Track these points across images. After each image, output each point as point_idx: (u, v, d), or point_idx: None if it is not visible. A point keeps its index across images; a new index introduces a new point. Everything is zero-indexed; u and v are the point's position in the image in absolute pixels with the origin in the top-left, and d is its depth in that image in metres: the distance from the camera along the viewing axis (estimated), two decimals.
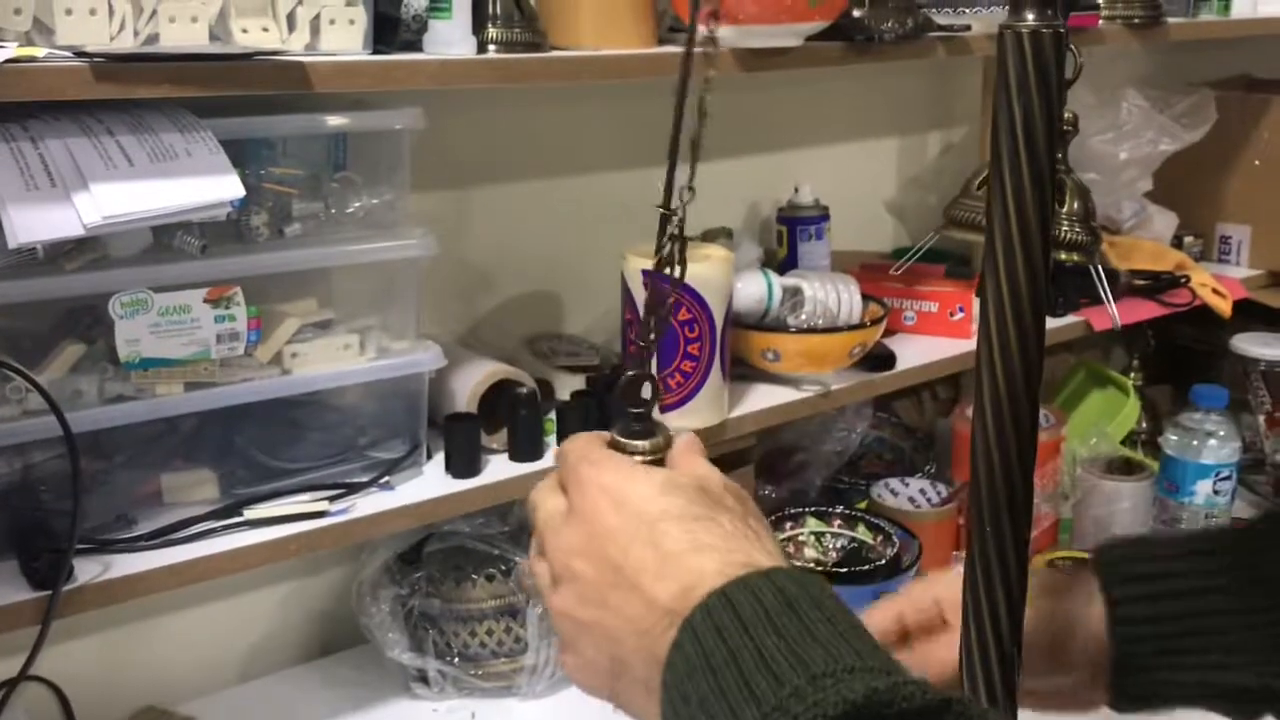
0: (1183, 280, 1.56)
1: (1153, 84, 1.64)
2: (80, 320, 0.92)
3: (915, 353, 1.37)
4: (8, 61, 0.74)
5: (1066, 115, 0.73)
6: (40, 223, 0.78)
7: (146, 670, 1.09)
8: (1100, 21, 1.36)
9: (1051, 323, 1.46)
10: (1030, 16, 0.51)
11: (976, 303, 1.44)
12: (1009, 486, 0.60)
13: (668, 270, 0.59)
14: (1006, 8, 0.53)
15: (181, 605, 1.10)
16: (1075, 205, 0.72)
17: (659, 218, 0.59)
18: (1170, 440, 1.28)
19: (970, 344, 1.44)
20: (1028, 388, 0.58)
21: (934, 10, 1.21)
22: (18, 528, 0.88)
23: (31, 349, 0.88)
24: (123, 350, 0.89)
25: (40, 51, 0.78)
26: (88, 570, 0.87)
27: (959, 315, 1.42)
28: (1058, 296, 1.50)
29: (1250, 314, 1.65)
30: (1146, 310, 1.54)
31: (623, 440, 0.59)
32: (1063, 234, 0.72)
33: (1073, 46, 0.72)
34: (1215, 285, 1.59)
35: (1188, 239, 1.71)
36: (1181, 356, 1.64)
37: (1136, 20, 1.39)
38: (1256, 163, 1.69)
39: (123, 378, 0.90)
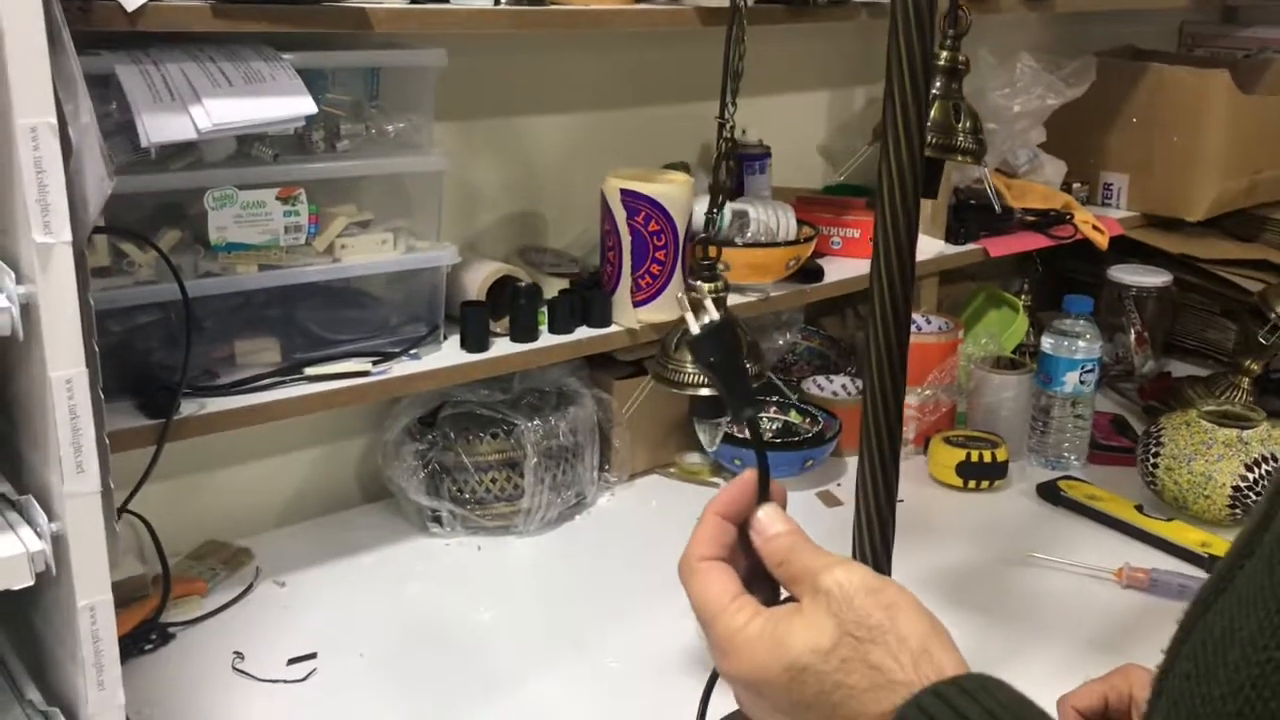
0: (1067, 217, 1.84)
1: (1049, 50, 1.91)
2: (170, 213, 1.15)
3: (841, 270, 1.63)
4: (149, 1, 0.96)
5: (961, 58, 0.98)
6: (165, 127, 1.01)
7: (211, 511, 1.31)
8: None
9: (954, 249, 1.76)
10: None
11: None
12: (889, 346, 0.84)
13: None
14: None
15: (240, 459, 1.33)
16: (968, 123, 0.97)
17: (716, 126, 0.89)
18: (1046, 341, 1.55)
19: None
20: (909, 239, 0.84)
21: None
22: (130, 374, 1.11)
23: (137, 234, 1.10)
24: (213, 235, 1.12)
25: None
26: (188, 408, 1.10)
27: None
28: (960, 228, 1.78)
29: (1126, 249, 1.94)
30: (1035, 241, 1.82)
31: (693, 283, 0.86)
32: (959, 143, 0.97)
33: (963, 8, 0.96)
34: (1095, 222, 1.86)
35: (1075, 185, 1.98)
36: (1068, 285, 1.91)
37: None
38: (1134, 120, 1.97)
39: (211, 258, 1.13)
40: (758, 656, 0.55)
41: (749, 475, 0.61)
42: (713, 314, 0.65)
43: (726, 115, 0.91)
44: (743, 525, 0.61)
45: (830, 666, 0.53)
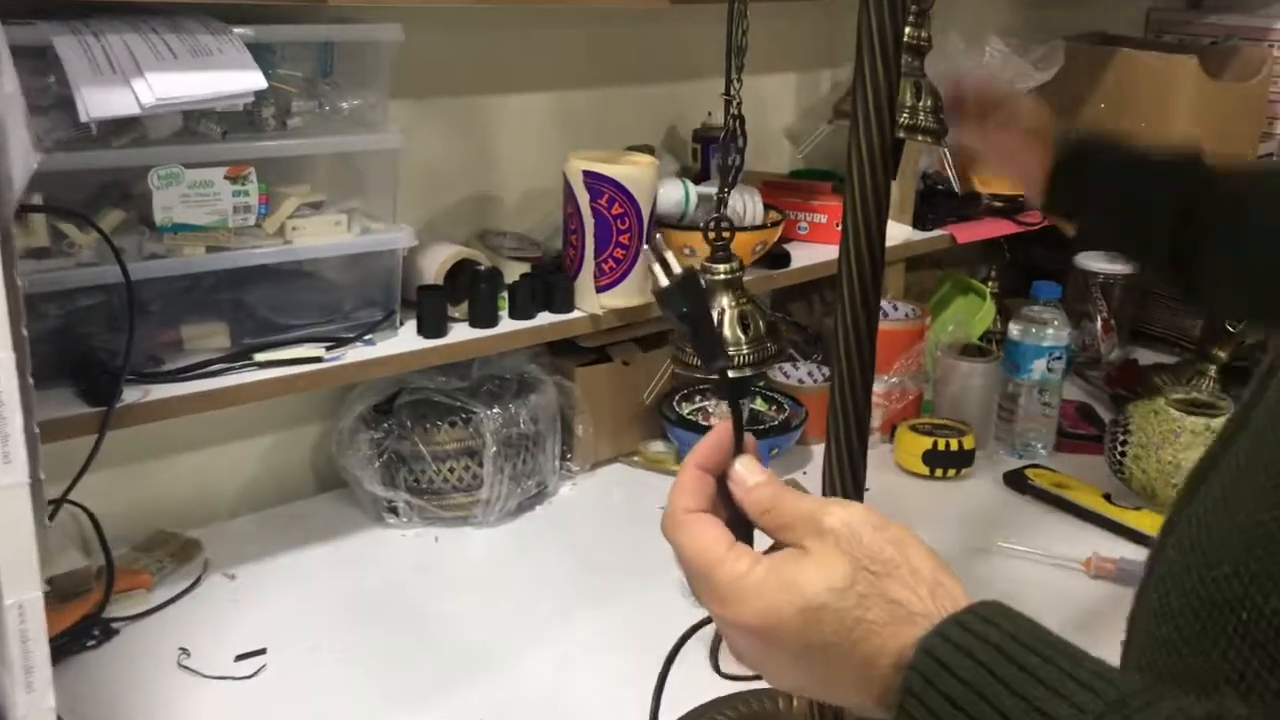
0: None
1: (1018, 34, 1.89)
2: (113, 192, 1.10)
3: (807, 256, 1.61)
4: None
5: (924, 34, 0.96)
6: (106, 101, 0.96)
7: (159, 501, 1.27)
8: None
9: (921, 235, 1.74)
10: None
11: None
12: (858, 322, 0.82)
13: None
14: None
15: (190, 447, 1.29)
16: (930, 102, 0.94)
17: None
18: (1014, 328, 1.53)
19: None
20: (879, 220, 0.81)
21: None
22: (70, 360, 1.06)
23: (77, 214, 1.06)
24: (158, 215, 1.07)
25: None
26: (131, 394, 1.06)
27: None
28: (927, 214, 1.76)
29: None
30: (1002, 228, 1.80)
31: (709, 264, 0.84)
32: (919, 122, 0.94)
33: None
34: None
35: None
36: (1035, 273, 1.89)
37: None
38: (1102, 105, 1.95)
39: (156, 239, 1.09)
40: (767, 600, 0.53)
41: (724, 427, 0.61)
42: (676, 267, 0.63)
43: (732, 92, 0.89)
44: (719, 478, 0.61)
45: (849, 603, 0.52)
